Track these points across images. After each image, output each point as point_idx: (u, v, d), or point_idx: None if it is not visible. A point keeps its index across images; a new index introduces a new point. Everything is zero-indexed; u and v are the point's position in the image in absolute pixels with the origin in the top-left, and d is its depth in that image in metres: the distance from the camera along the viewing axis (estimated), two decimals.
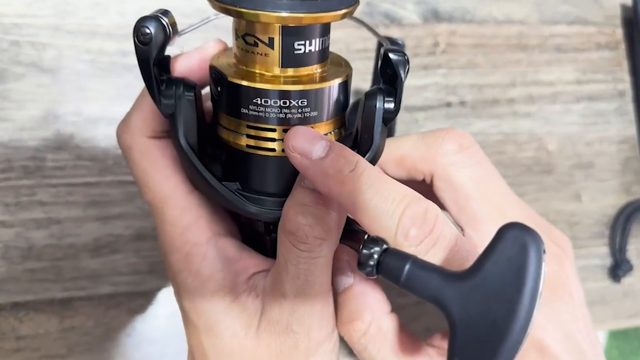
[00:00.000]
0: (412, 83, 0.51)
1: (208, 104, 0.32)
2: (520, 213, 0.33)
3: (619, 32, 0.57)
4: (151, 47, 0.27)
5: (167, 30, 0.28)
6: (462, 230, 0.32)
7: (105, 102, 0.45)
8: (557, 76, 0.55)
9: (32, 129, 0.44)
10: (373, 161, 0.30)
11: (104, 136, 0.45)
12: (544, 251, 0.22)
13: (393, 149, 0.33)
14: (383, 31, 0.51)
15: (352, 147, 0.31)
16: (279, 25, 0.27)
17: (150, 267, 0.45)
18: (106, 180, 0.45)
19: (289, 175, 0.29)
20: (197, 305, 0.32)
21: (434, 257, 0.26)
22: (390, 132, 0.45)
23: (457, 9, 0.53)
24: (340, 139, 0.31)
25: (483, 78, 0.53)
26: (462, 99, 0.53)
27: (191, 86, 0.29)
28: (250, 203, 0.29)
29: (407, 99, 0.52)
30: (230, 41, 0.31)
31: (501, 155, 0.53)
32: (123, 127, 0.32)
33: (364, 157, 0.29)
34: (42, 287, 0.43)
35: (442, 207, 0.33)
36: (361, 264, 0.27)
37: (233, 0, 0.26)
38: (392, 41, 0.42)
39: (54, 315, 0.43)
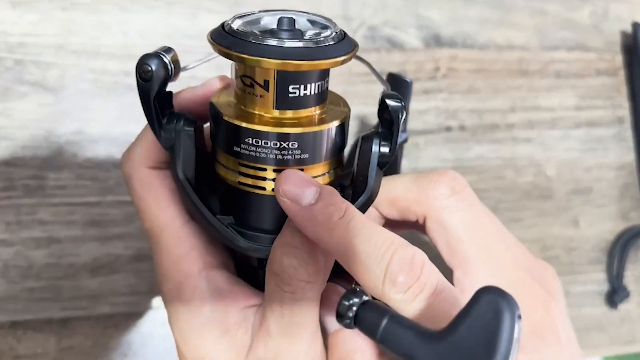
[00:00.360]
0: (413, 107, 0.52)
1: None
2: (510, 255, 0.33)
3: (619, 59, 0.58)
4: (152, 84, 0.28)
5: (169, 67, 0.29)
6: (452, 272, 0.32)
7: (107, 122, 0.46)
8: (557, 102, 0.56)
9: (34, 147, 0.44)
10: (367, 204, 0.30)
11: (106, 156, 0.45)
12: (519, 317, 0.22)
13: (387, 190, 0.33)
14: (385, 55, 0.52)
15: (350, 186, 0.31)
16: (273, 69, 0.27)
17: (149, 288, 0.45)
18: (107, 200, 0.45)
19: (280, 213, 0.29)
20: (186, 336, 0.32)
21: (420, 303, 0.26)
22: (395, 165, 0.45)
23: (458, 34, 0.53)
24: (336, 179, 0.31)
25: (483, 103, 0.53)
26: (462, 123, 0.53)
27: (191, 121, 0.30)
28: (242, 238, 0.30)
29: (407, 122, 0.52)
30: None
31: (500, 180, 0.53)
32: (126, 157, 0.33)
33: (358, 199, 0.30)
34: (41, 306, 0.43)
35: (435, 248, 0.33)
36: (340, 316, 0.27)
37: (230, 44, 0.27)
38: (398, 77, 0.43)
39: (52, 335, 0.43)
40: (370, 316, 0.26)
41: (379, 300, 0.27)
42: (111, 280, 0.45)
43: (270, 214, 0.30)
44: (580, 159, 0.56)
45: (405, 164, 0.51)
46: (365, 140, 0.30)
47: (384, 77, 0.39)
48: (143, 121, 0.45)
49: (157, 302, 0.46)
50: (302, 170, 0.29)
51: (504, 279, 0.32)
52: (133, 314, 0.45)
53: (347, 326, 0.27)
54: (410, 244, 0.27)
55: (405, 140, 0.45)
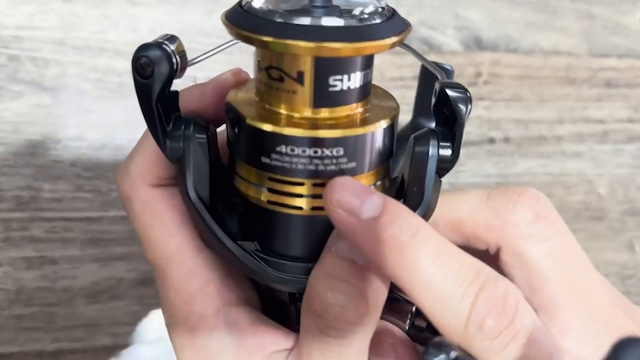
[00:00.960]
0: None
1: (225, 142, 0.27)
2: (605, 296, 0.28)
3: None
4: (153, 81, 0.23)
5: (174, 60, 0.23)
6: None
7: (111, 127, 0.42)
8: (608, 113, 0.51)
9: (28, 154, 0.40)
10: (425, 219, 0.25)
11: (109, 165, 0.41)
12: None
13: (448, 209, 0.28)
14: None
15: (404, 201, 0.26)
16: (310, 57, 0.22)
17: None
18: (109, 215, 0.41)
19: (318, 237, 0.24)
20: None
21: (513, 354, 0.22)
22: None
23: (501, 37, 0.49)
24: (385, 191, 0.26)
25: (529, 113, 0.49)
26: (507, 134, 0.48)
27: (203, 126, 0.25)
28: (270, 268, 0.25)
29: None
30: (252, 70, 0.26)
31: (550, 199, 0.48)
32: (123, 173, 0.27)
33: None
34: (31, 336, 0.39)
35: None
36: None
37: (254, 26, 0.22)
38: (442, 68, 0.37)
39: None
40: None
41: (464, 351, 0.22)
42: (111, 308, 0.41)
43: (306, 237, 0.25)
44: (634, 177, 0.51)
45: (444, 178, 0.46)
46: (419, 142, 0.25)
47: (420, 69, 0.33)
48: None
49: (164, 333, 0.41)
50: None
51: (603, 325, 0.26)
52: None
53: None
54: (501, 276, 0.22)
55: None
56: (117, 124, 0.41)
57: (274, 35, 0.21)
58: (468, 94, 0.23)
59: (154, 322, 0.40)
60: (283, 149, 0.23)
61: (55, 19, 0.41)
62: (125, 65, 0.42)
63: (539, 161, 0.49)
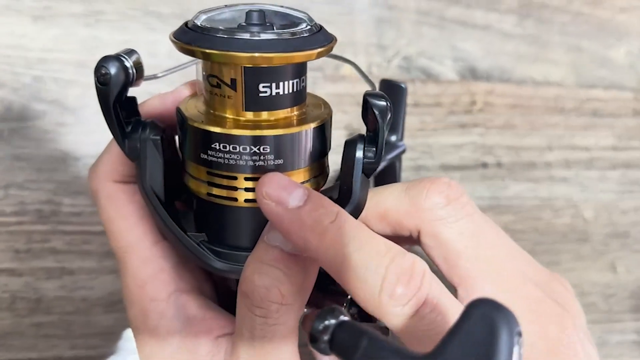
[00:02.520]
0: (448, 141, 0.49)
1: None
2: (517, 269, 0.30)
3: None
4: (110, 88, 0.26)
5: (130, 72, 0.27)
6: (455, 290, 0.29)
7: None
8: (594, 141, 0.54)
9: (49, 170, 0.42)
10: (353, 215, 0.27)
11: None
12: (519, 333, 0.19)
13: (375, 202, 0.30)
14: (419, 86, 0.49)
15: (337, 198, 0.28)
16: (240, 66, 0.25)
17: None
18: None
19: (255, 228, 0.27)
20: None
21: (421, 319, 0.24)
22: (394, 180, 0.42)
23: (494, 68, 0.52)
24: (319, 189, 0.28)
25: (520, 140, 0.51)
26: (499, 160, 0.51)
27: (159, 128, 0.28)
28: (216, 257, 0.27)
29: (443, 157, 0.50)
30: None
31: (537, 222, 0.51)
32: (92, 170, 0.31)
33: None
34: (49, 343, 0.40)
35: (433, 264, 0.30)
36: (313, 340, 0.23)
37: (192, 39, 0.25)
38: (392, 84, 0.40)
39: None
40: (346, 338, 0.22)
41: (376, 318, 0.25)
42: (126, 317, 0.41)
43: (244, 228, 0.27)
44: (617, 202, 0.54)
45: None
46: (348, 145, 0.27)
47: (377, 85, 0.36)
48: None
49: None
50: None
51: (512, 295, 0.28)
52: None
53: (322, 351, 0.23)
54: (408, 252, 0.25)
55: (403, 151, 0.42)
56: None
57: (211, 47, 0.24)
58: (388, 103, 0.26)
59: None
60: (217, 145, 0.26)
61: (77, 42, 0.43)
62: (144, 88, 0.43)
63: (528, 185, 0.51)
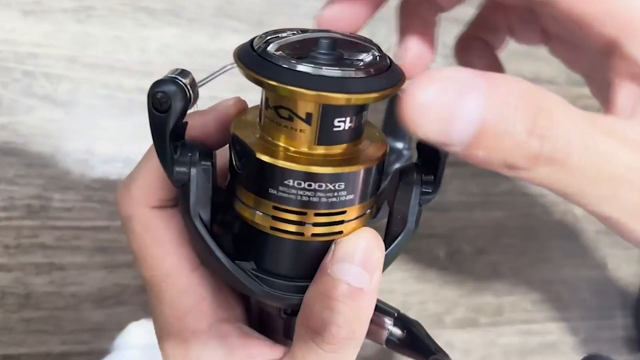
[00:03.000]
0: None
1: (220, 164, 0.29)
2: None
3: None
4: (169, 115, 0.24)
5: (188, 94, 0.24)
6: (613, 49, 0.24)
7: (120, 141, 0.43)
8: None
9: (39, 165, 0.41)
10: (404, 245, 0.27)
11: (117, 177, 0.42)
12: None
13: None
14: None
15: (387, 226, 0.28)
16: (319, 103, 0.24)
17: None
18: (116, 225, 0.42)
19: (312, 259, 0.26)
20: None
21: None
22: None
23: None
24: (371, 219, 0.28)
25: None
26: None
27: (208, 154, 0.26)
28: (265, 286, 0.26)
29: (413, 140, 0.50)
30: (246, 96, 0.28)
31: (528, 218, 0.51)
32: (124, 194, 0.28)
33: (395, 240, 0.26)
34: (39, 339, 0.40)
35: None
36: None
37: (269, 72, 0.23)
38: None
39: None
40: None
41: None
42: (116, 313, 0.41)
43: (300, 260, 0.26)
44: None
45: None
46: (404, 175, 0.26)
47: None
48: None
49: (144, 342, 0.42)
50: (344, 212, 0.25)
51: None
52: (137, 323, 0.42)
53: None
54: None
55: (408, 159, 0.41)
56: (125, 139, 0.43)
57: (281, 81, 0.22)
58: None
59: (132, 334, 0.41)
60: (290, 182, 0.24)
61: (69, 38, 0.43)
62: (134, 84, 0.44)
63: (519, 182, 0.51)
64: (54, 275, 0.41)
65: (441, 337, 0.47)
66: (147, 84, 0.45)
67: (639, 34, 0.24)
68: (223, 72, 0.29)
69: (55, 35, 0.43)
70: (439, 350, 0.27)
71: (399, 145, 0.40)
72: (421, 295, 0.48)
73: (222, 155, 0.28)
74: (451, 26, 0.38)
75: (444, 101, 0.19)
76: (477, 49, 0.35)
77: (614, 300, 0.53)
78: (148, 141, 0.29)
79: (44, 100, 0.42)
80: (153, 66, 0.44)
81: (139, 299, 0.42)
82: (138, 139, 0.43)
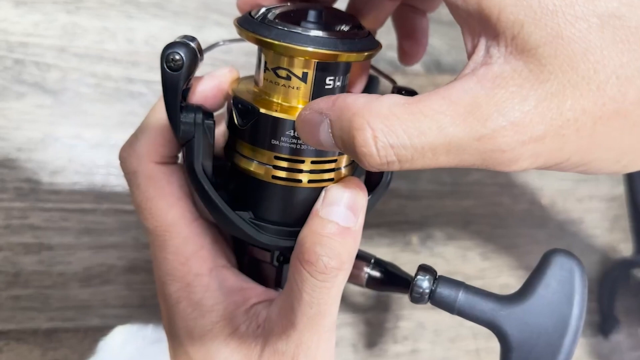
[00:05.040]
0: None
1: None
2: None
3: None
4: (181, 74, 0.27)
5: (197, 56, 0.27)
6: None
7: (107, 128, 0.45)
8: None
9: (29, 150, 0.43)
10: (382, 194, 0.31)
11: (104, 162, 0.44)
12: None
13: None
14: None
15: (366, 178, 0.32)
16: (315, 60, 0.27)
17: (141, 302, 0.43)
18: (102, 207, 0.44)
19: (304, 205, 0.29)
20: (195, 337, 0.31)
21: None
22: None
23: (459, 62, 0.54)
24: (354, 170, 0.32)
25: None
26: None
27: (210, 114, 0.29)
28: (262, 232, 0.30)
29: None
30: (229, 63, 0.31)
31: (497, 207, 0.54)
32: (129, 151, 0.31)
33: (373, 190, 0.31)
34: (27, 315, 0.41)
35: None
36: (416, 293, 0.29)
37: (272, 34, 0.26)
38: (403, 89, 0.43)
39: (37, 347, 0.41)
40: (445, 291, 0.28)
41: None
42: (102, 292, 0.43)
43: (295, 206, 0.30)
44: (573, 189, 0.57)
45: (403, 185, 0.51)
46: None
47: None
48: None
49: (148, 317, 0.44)
50: (335, 160, 0.29)
51: None
52: (123, 328, 0.43)
53: (418, 301, 0.29)
54: None
55: None
56: (112, 126, 0.45)
57: (287, 41, 0.26)
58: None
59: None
60: (291, 132, 0.28)
61: (58, 28, 0.45)
62: (121, 73, 0.45)
63: (488, 173, 0.54)
64: (43, 255, 0.42)
65: (413, 318, 0.50)
66: (134, 74, 0.47)
67: None
68: (212, 49, 0.32)
69: (46, 25, 0.44)
70: (429, 268, 0.31)
71: None
72: None
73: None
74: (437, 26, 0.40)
75: (310, 125, 0.25)
76: (405, 15, 0.38)
77: None
78: (134, 128, 0.31)
79: (34, 88, 0.44)
80: (139, 56, 0.46)
81: (124, 278, 0.43)
82: (124, 125, 0.45)
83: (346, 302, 0.48)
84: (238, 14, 0.49)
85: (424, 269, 0.30)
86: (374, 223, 0.50)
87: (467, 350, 0.50)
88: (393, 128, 0.22)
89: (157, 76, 0.27)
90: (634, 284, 0.56)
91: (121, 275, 0.43)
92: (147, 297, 0.44)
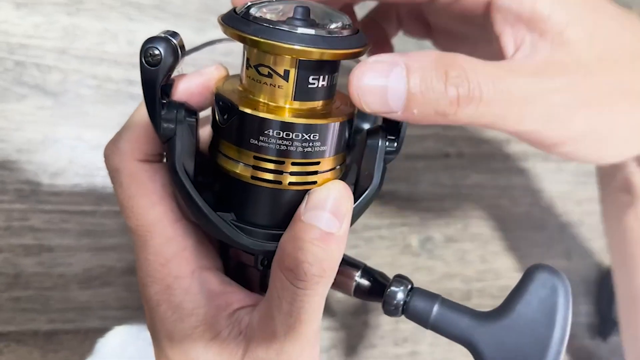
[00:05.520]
0: (413, 132, 0.52)
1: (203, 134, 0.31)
2: None
3: None
4: (159, 70, 0.26)
5: (177, 52, 0.27)
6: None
7: (107, 129, 0.44)
8: None
9: (29, 151, 0.43)
10: (372, 200, 0.29)
11: (104, 164, 0.44)
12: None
13: None
14: None
15: (355, 182, 0.30)
16: (296, 58, 0.26)
17: (140, 303, 0.43)
18: (102, 209, 0.44)
19: (287, 208, 0.28)
20: (174, 341, 0.30)
21: None
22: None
23: None
24: (343, 175, 0.31)
25: (481, 132, 0.54)
26: (461, 150, 0.53)
27: (192, 111, 0.29)
28: (245, 235, 0.29)
29: (407, 147, 0.52)
30: (229, 65, 0.31)
31: (496, 209, 0.54)
32: (112, 148, 0.30)
33: (363, 194, 0.29)
34: (27, 317, 0.41)
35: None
36: (388, 304, 0.27)
37: (251, 30, 0.26)
38: None
39: (37, 349, 0.41)
40: (420, 303, 0.27)
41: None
42: (102, 293, 0.43)
43: (277, 209, 0.29)
44: (572, 192, 0.57)
45: (402, 187, 0.51)
46: (371, 135, 0.29)
47: None
48: None
49: None
50: (318, 163, 0.28)
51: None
52: (124, 330, 0.43)
53: (392, 314, 0.27)
54: None
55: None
56: (112, 127, 0.44)
57: (266, 37, 0.25)
58: None
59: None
60: (270, 132, 0.27)
61: (59, 30, 0.44)
62: (122, 75, 0.45)
63: (488, 175, 0.54)
64: (43, 257, 0.42)
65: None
66: (135, 76, 0.47)
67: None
68: (209, 45, 0.32)
69: (46, 27, 0.44)
70: (405, 278, 0.30)
71: (366, 125, 0.43)
72: None
73: (202, 124, 0.30)
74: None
75: (377, 82, 0.26)
76: (374, 31, 0.40)
77: (576, 288, 0.55)
78: None
79: (35, 89, 0.43)
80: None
81: (124, 280, 0.43)
82: None
83: (345, 304, 0.48)
84: None
85: (398, 279, 0.28)
86: (373, 225, 0.50)
87: (466, 352, 0.51)
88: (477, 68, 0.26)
89: None
90: None
91: (121, 277, 0.43)
92: None
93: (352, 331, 0.48)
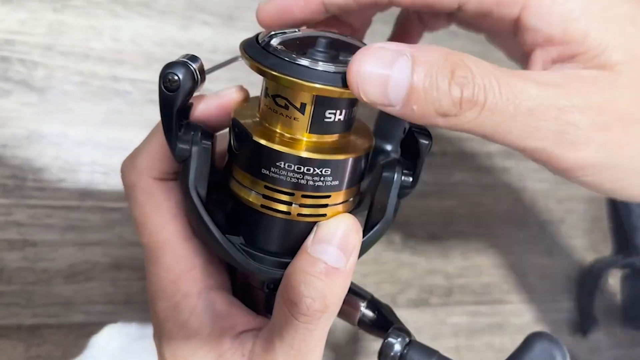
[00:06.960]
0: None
1: (219, 149, 0.31)
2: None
3: None
4: (178, 95, 0.26)
5: (196, 77, 0.27)
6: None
7: (92, 126, 0.45)
8: None
9: (14, 147, 0.43)
10: (383, 233, 0.29)
11: (89, 160, 0.44)
12: None
13: None
14: None
15: (367, 214, 0.30)
16: (313, 94, 0.26)
17: (125, 298, 0.44)
18: (87, 205, 0.44)
19: (294, 238, 0.28)
20: (178, 358, 0.30)
21: None
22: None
23: None
24: (354, 207, 0.30)
25: None
26: (444, 149, 0.54)
27: (209, 134, 0.29)
28: (252, 260, 0.29)
29: None
30: (249, 87, 0.31)
31: (479, 207, 0.55)
32: (129, 164, 0.31)
33: (374, 227, 0.29)
34: (10, 311, 0.41)
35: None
36: (383, 355, 0.27)
37: (271, 63, 0.25)
38: None
39: (20, 343, 0.41)
40: (416, 357, 0.26)
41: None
42: (86, 288, 0.43)
43: (286, 237, 0.29)
44: (553, 191, 0.57)
45: None
46: (386, 168, 0.29)
47: None
48: (129, 127, 0.45)
49: (133, 314, 0.44)
50: (329, 196, 0.28)
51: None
52: (107, 325, 0.43)
53: None
54: None
55: None
56: (97, 123, 0.45)
57: (286, 73, 0.25)
58: (431, 138, 0.28)
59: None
60: (282, 164, 0.27)
61: (45, 26, 0.45)
62: (107, 71, 0.45)
63: (471, 174, 0.54)
64: (27, 252, 0.42)
65: None
66: (120, 72, 0.47)
67: (531, 6, 0.28)
68: (229, 64, 0.31)
69: (32, 23, 0.44)
70: (404, 329, 0.29)
71: (388, 147, 0.43)
72: (377, 276, 0.51)
73: (222, 140, 0.30)
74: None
75: (380, 70, 0.24)
76: (409, 24, 0.39)
77: (557, 285, 0.56)
78: (119, 126, 0.31)
79: (20, 85, 0.44)
80: (125, 55, 0.46)
81: (108, 275, 0.43)
82: (109, 124, 0.45)
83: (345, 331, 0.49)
84: (225, 13, 0.50)
85: (397, 330, 0.28)
86: None
87: (448, 347, 0.51)
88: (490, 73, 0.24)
89: (143, 75, 0.27)
90: (613, 283, 0.57)
91: (106, 272, 0.44)
92: (131, 294, 0.44)
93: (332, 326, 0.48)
